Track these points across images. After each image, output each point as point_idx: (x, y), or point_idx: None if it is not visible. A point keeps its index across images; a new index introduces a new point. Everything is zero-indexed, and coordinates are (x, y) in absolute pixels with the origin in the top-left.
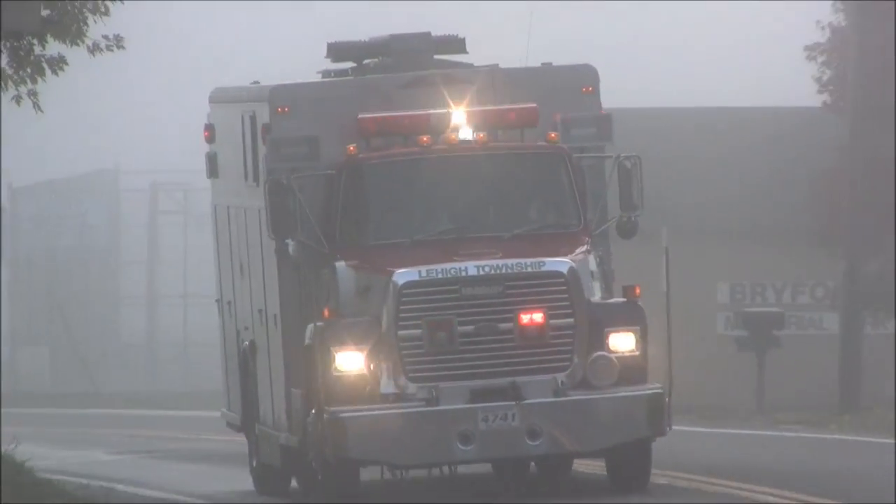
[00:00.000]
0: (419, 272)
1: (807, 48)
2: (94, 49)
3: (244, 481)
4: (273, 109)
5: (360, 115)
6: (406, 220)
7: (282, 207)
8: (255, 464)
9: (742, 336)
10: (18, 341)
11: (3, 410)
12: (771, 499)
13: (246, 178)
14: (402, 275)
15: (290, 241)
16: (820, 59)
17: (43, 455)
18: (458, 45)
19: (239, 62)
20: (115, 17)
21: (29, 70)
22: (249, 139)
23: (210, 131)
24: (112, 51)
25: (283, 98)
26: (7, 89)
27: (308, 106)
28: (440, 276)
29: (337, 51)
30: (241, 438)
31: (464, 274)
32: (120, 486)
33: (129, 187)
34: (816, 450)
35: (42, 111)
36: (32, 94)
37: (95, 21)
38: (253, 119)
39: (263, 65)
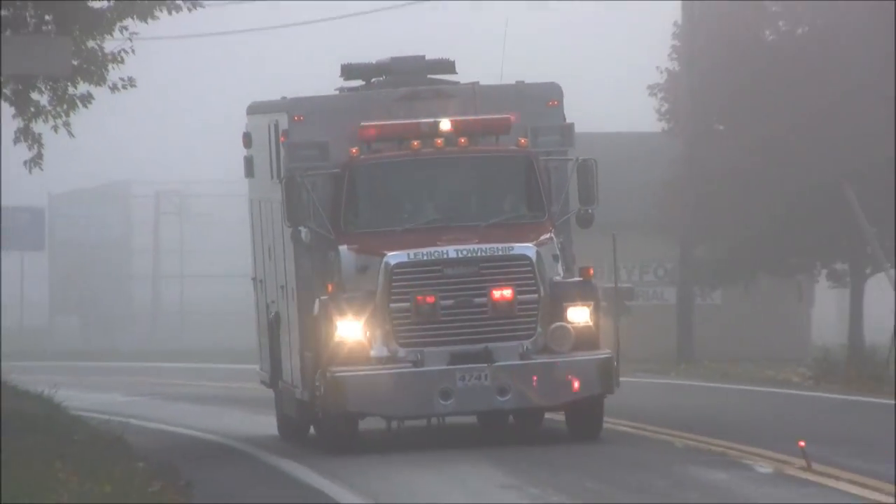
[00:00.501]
0: (408, 254)
1: (649, 87)
2: (114, 89)
3: (248, 422)
4: (290, 118)
5: (362, 124)
6: (398, 212)
7: (296, 200)
8: (279, 415)
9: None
10: (55, 311)
11: (43, 364)
12: (629, 429)
13: (272, 176)
14: (394, 257)
15: (303, 229)
16: (659, 95)
17: (74, 397)
18: (448, 66)
19: (236, 91)
20: (129, 61)
21: (65, 106)
22: (274, 143)
23: (247, 138)
24: (127, 89)
25: (299, 109)
26: (47, 121)
27: (320, 116)
28: (425, 257)
29: (349, 71)
30: (227, 384)
31: (445, 256)
32: (134, 421)
33: (139, 194)
34: (660, 391)
35: (74, 136)
36: (66, 124)
37: (114, 68)
38: (276, 127)
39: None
